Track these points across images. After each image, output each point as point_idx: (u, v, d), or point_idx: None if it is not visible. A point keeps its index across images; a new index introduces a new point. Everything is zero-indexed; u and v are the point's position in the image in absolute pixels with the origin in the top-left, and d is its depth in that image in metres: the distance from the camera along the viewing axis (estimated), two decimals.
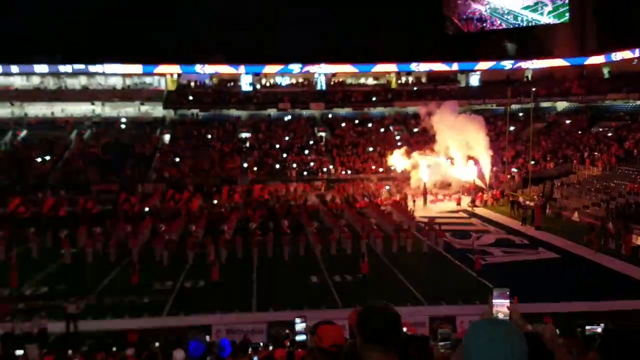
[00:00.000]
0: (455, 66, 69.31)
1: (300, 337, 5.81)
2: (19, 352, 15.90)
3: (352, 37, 68.61)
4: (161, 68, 66.77)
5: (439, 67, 69.17)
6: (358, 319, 2.95)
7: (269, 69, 68.59)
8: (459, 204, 46.12)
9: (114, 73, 66.90)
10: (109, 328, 20.21)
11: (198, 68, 67.26)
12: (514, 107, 58.03)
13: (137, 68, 66.57)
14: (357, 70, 69.54)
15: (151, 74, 67.62)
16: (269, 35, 68.18)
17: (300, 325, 5.42)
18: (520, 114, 60.67)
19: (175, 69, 67.58)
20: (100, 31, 64.28)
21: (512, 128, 56.25)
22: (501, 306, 3.02)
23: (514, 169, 51.54)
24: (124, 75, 67.70)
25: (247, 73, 68.78)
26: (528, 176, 47.04)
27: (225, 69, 68.09)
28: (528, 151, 50.10)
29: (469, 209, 44.92)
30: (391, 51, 65.04)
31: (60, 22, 59.73)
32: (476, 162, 48.82)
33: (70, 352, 16.25)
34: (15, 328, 19.02)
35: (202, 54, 65.47)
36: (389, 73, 70.29)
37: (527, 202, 41.74)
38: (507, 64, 68.67)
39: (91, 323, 20.84)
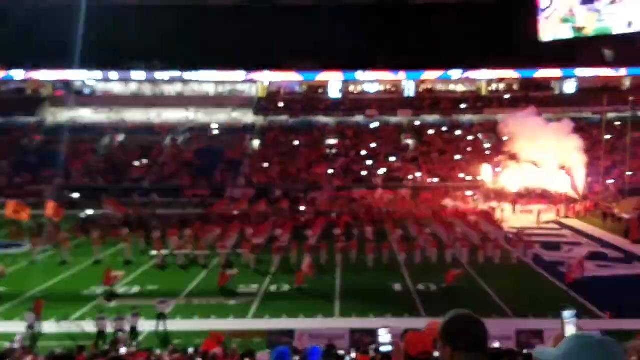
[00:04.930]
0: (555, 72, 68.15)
1: (385, 348, 5.80)
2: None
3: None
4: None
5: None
6: (445, 328, 2.89)
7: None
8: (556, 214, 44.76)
9: (210, 80, 69.77)
10: (196, 328, 20.80)
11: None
12: (611, 115, 55.59)
13: (238, 74, 68.90)
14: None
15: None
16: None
17: (385, 336, 5.42)
18: (617, 123, 58.00)
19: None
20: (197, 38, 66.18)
21: (608, 137, 53.86)
22: (570, 326, 3.13)
23: (609, 180, 49.33)
24: (217, 83, 70.16)
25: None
26: (625, 187, 44.87)
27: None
28: (625, 161, 47.81)
29: (561, 219, 43.45)
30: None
31: (157, 29, 62.04)
32: (569, 172, 47.09)
33: (159, 350, 16.90)
34: (108, 326, 19.68)
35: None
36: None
37: (623, 215, 39.84)
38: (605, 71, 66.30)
39: (180, 323, 21.56)
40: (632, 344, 6.67)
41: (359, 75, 69.37)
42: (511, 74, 68.88)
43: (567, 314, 3.21)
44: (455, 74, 68.88)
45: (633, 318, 20.91)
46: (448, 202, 47.63)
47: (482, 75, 69.22)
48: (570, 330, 3.16)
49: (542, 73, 68.28)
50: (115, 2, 63.87)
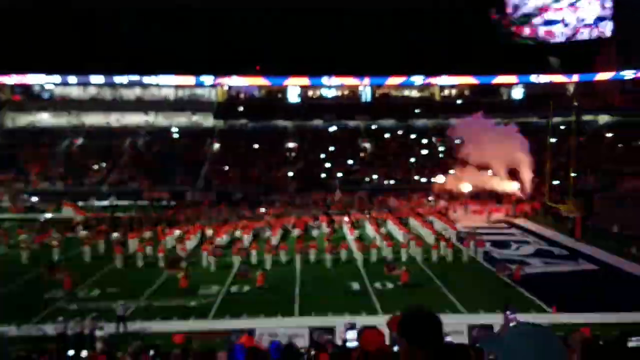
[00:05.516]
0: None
1: (351, 344, 6.31)
2: (71, 352, 17.08)
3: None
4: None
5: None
6: (402, 323, 2.98)
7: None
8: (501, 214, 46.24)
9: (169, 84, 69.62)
10: (157, 330, 20.91)
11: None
12: (556, 120, 57.54)
13: (191, 79, 68.90)
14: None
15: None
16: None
17: (351, 333, 6.05)
18: (562, 127, 60.19)
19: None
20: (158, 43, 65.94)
21: (553, 140, 55.77)
22: (512, 321, 3.72)
23: (554, 181, 51.13)
24: (177, 87, 70.16)
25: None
26: (569, 188, 46.64)
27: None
28: (569, 164, 49.63)
29: (510, 219, 45.05)
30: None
31: (119, 33, 61.87)
32: (517, 173, 48.79)
33: (119, 352, 17.02)
34: (68, 329, 19.61)
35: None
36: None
37: (568, 214, 41.56)
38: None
39: (140, 325, 21.61)
40: (574, 335, 7.30)
41: (325, 80, 70.16)
42: (470, 80, 70.66)
43: (510, 310, 3.84)
44: (418, 80, 70.33)
45: (577, 312, 22.01)
46: (403, 203, 48.81)
47: (443, 81, 70.82)
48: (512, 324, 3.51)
49: (500, 79, 70.23)
50: (73, 5, 63.34)
